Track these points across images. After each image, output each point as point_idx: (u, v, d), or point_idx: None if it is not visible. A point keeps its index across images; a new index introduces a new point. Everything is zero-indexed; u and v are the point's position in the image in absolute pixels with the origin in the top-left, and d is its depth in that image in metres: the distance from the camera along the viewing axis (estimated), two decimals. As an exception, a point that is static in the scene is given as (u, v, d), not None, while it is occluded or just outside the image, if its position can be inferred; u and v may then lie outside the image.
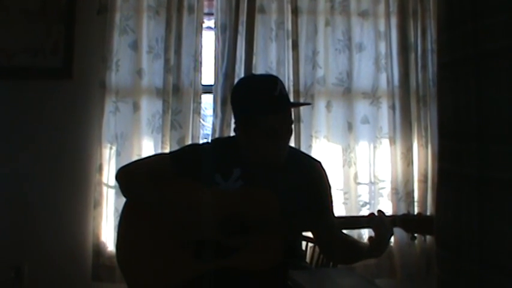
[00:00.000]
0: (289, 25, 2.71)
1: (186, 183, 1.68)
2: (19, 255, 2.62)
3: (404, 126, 2.72)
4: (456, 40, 0.60)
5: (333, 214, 1.79)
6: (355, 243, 1.77)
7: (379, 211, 1.67)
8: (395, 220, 1.61)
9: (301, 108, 2.65)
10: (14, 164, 2.64)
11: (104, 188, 2.62)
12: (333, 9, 2.75)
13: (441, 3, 0.63)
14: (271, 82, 1.63)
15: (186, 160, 1.73)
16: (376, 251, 1.59)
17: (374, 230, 1.60)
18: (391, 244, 2.68)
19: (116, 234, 1.85)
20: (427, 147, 2.74)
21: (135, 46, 2.67)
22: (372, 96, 2.75)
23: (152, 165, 1.76)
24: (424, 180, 2.72)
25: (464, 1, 0.58)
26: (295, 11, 2.70)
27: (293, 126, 1.72)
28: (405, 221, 1.60)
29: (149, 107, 2.69)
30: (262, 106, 1.59)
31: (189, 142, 2.62)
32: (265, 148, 1.62)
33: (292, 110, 1.80)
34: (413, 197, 2.70)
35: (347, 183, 2.71)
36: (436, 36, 2.55)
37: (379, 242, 1.58)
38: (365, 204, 2.73)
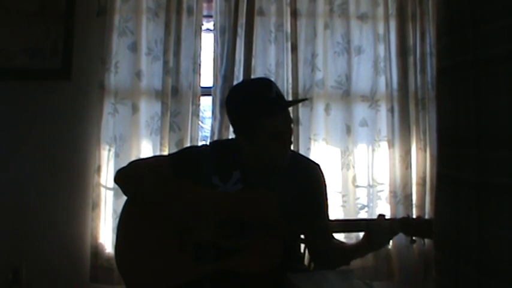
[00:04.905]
0: (288, 28, 2.71)
1: (185, 185, 1.68)
2: (17, 257, 2.61)
3: (403, 129, 2.72)
4: (455, 45, 0.60)
5: (328, 218, 1.80)
6: (345, 247, 1.81)
7: (380, 215, 1.68)
8: (395, 224, 1.61)
9: (300, 110, 2.65)
10: (12, 165, 2.64)
11: (102, 190, 2.62)
12: (332, 12, 2.75)
13: (441, 8, 0.63)
14: (266, 85, 1.65)
15: (185, 162, 1.73)
16: (365, 253, 1.74)
17: (370, 235, 1.61)
18: (390, 247, 2.68)
19: (114, 235, 1.84)
20: (425, 151, 2.74)
21: (134, 48, 2.67)
22: (371, 99, 2.76)
23: (152, 165, 1.76)
24: (422, 183, 2.72)
25: (464, 7, 0.58)
26: (295, 14, 2.70)
27: (292, 127, 1.73)
28: (405, 224, 1.60)
29: (148, 109, 2.68)
30: (263, 108, 1.59)
31: (188, 144, 2.62)
32: (271, 150, 1.62)
33: (291, 111, 1.80)
34: (411, 200, 2.70)
35: (345, 186, 2.71)
36: (435, 39, 2.56)
37: (371, 246, 1.63)
38: (363, 207, 2.73)
